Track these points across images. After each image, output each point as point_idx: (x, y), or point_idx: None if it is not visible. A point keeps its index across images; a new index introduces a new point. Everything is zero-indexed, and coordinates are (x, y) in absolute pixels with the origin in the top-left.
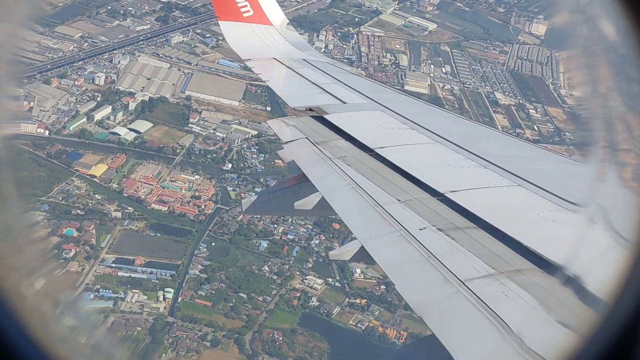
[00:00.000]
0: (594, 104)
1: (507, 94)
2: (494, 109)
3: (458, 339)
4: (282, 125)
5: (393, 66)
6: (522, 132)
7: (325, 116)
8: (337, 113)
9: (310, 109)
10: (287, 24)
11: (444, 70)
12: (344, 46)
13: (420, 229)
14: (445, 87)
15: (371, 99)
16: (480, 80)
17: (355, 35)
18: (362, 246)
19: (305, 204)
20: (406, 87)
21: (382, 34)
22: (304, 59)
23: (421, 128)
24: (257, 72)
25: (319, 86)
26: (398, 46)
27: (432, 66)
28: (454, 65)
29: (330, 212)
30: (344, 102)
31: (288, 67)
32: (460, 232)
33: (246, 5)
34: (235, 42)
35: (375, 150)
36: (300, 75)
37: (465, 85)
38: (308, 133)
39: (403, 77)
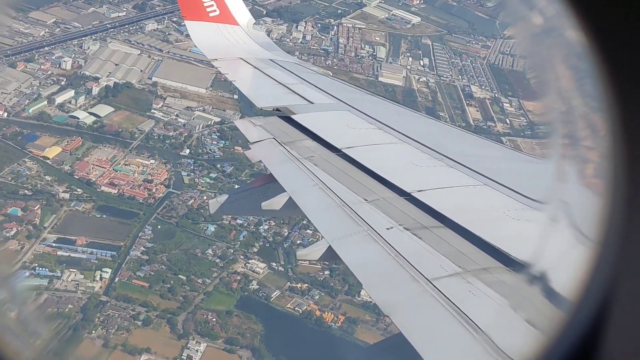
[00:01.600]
0: (554, 102)
1: (483, 87)
2: (467, 102)
3: (426, 338)
4: (249, 126)
5: (370, 58)
6: (494, 125)
7: (293, 116)
8: (304, 113)
9: (278, 109)
10: (254, 23)
11: (422, 63)
12: (323, 37)
13: (388, 229)
14: (421, 80)
15: (338, 99)
16: (458, 73)
17: (335, 27)
18: (330, 246)
19: (272, 204)
20: (380, 79)
21: (364, 26)
22: (270, 59)
23: (388, 128)
24: (224, 72)
25: (286, 86)
26: (378, 39)
27: (410, 59)
28: (432, 58)
29: (298, 212)
30: (311, 102)
31: (255, 67)
32: (427, 231)
33: (212, 5)
34: (202, 41)
35: (342, 150)
36: (267, 75)
37: (442, 78)
38: (275, 133)
39: (379, 69)
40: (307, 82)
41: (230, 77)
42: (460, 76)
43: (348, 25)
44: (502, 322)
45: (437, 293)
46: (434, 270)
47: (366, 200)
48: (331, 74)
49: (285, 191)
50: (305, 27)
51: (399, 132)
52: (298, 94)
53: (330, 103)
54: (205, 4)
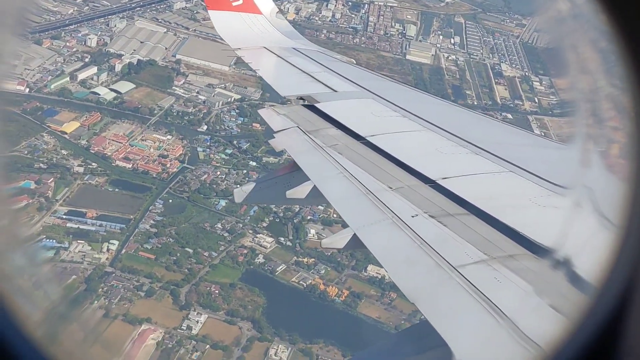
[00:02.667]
0: (578, 82)
1: (514, 66)
2: (496, 80)
3: (452, 325)
4: (272, 114)
5: (399, 36)
6: (521, 103)
7: (316, 105)
8: (328, 101)
9: (302, 98)
10: (277, 12)
11: (452, 42)
12: (352, 15)
13: (412, 216)
14: (450, 58)
15: (362, 87)
16: (489, 52)
17: (366, 5)
18: (355, 234)
19: (297, 192)
20: (408, 57)
21: (396, 4)
22: (294, 48)
23: (412, 115)
24: (248, 61)
25: (309, 75)
26: (409, 17)
27: (440, 37)
28: (464, 36)
29: (322, 201)
30: (335, 91)
31: (278, 56)
32: (452, 218)
33: None
34: (225, 31)
35: (366, 138)
36: (291, 64)
37: (472, 56)
38: (299, 122)
39: (407, 47)
40: (331, 70)
41: (254, 66)
42: (491, 55)
43: (380, 3)
44: (527, 309)
45: (463, 280)
46: (459, 257)
47: (391, 188)
48: (355, 62)
49: (309, 180)
50: (335, 5)
51: (424, 120)
52: (322, 83)
53: (354, 91)
54: None
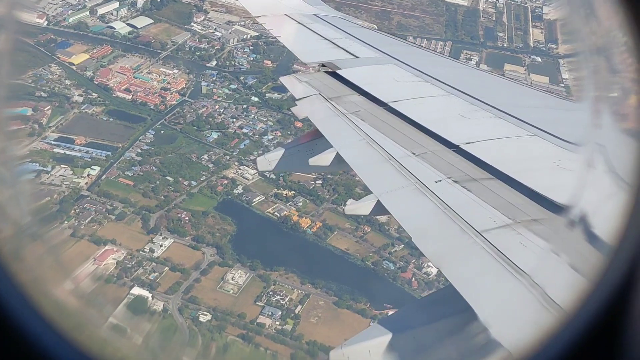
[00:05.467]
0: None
1: (560, 8)
2: (533, 24)
3: (477, 290)
4: (294, 82)
5: None
6: (555, 47)
7: (338, 71)
8: (350, 68)
9: (323, 65)
10: None
11: None
12: None
13: (436, 182)
14: (490, 0)
15: (384, 53)
16: None
17: None
18: (379, 200)
19: (320, 160)
20: None
21: None
22: (315, 14)
23: (435, 80)
24: (268, 28)
25: (330, 41)
26: None
27: None
28: None
29: (346, 167)
30: (357, 57)
31: (299, 23)
32: (476, 183)
33: None
34: None
35: (389, 104)
36: (312, 30)
37: None
38: (321, 89)
39: None
40: (352, 36)
41: (275, 33)
42: None
43: None
44: (551, 271)
45: (487, 245)
46: (483, 222)
47: (414, 153)
48: (376, 28)
49: (332, 147)
50: None
51: (446, 84)
52: (343, 49)
53: (375, 57)
54: None
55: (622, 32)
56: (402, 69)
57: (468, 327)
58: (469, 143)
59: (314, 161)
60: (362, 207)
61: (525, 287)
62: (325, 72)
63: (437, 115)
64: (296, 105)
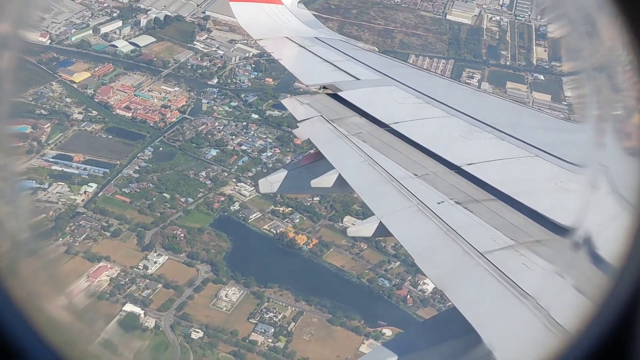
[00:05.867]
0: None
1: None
2: (537, 42)
3: (481, 312)
4: (296, 104)
5: None
6: (558, 64)
7: (339, 93)
8: (351, 90)
9: (324, 87)
10: (298, 2)
11: (501, 2)
12: None
13: (438, 203)
14: (493, 19)
15: (385, 75)
16: (539, 13)
17: None
18: (381, 222)
19: (322, 182)
20: (448, 17)
21: None
22: (315, 37)
23: (436, 102)
24: (270, 51)
25: (331, 63)
26: None
27: None
28: None
29: (348, 189)
30: (358, 79)
31: (300, 46)
32: (478, 204)
33: None
34: (247, 22)
35: (390, 125)
36: (313, 53)
37: (517, 17)
38: (322, 111)
39: (450, 7)
40: (353, 58)
41: (276, 56)
42: (539, 16)
43: None
44: (555, 293)
45: (491, 266)
46: (486, 243)
47: (416, 175)
48: (377, 50)
49: (334, 168)
50: None
51: (447, 106)
52: (344, 71)
53: (376, 79)
54: None
55: (625, 51)
56: (403, 91)
57: (472, 350)
58: (470, 164)
59: (316, 183)
60: (364, 229)
61: (530, 309)
62: (327, 94)
63: (439, 137)
64: (298, 127)
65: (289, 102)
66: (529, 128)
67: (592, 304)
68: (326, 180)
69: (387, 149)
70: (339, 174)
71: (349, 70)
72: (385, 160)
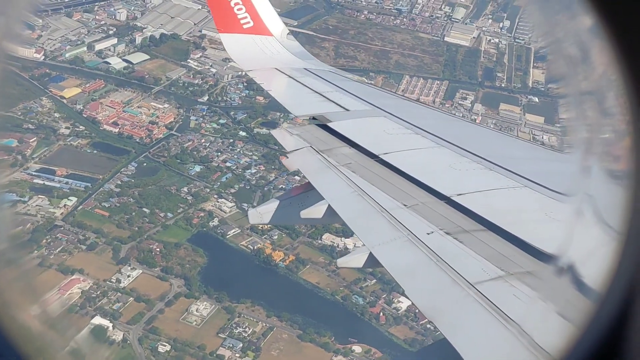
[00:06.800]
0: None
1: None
2: (535, 64)
3: (471, 343)
4: (285, 135)
5: (445, 19)
6: (555, 87)
7: (329, 124)
8: (341, 120)
9: (314, 117)
10: (288, 34)
11: (501, 25)
12: None
13: (428, 233)
14: (492, 41)
15: (374, 105)
16: (539, 36)
17: None
18: (371, 252)
19: (312, 212)
20: (446, 39)
21: None
22: (305, 68)
23: (425, 132)
24: (259, 82)
25: (321, 94)
26: (463, 0)
27: (490, 20)
28: (516, 20)
29: (338, 220)
30: (347, 110)
31: (290, 77)
32: (468, 235)
33: (246, 17)
34: (237, 53)
35: (380, 156)
36: (302, 84)
37: (517, 40)
38: (312, 141)
39: (449, 30)
40: (342, 89)
41: (265, 87)
42: (539, 39)
43: None
44: (546, 325)
45: (481, 297)
46: (476, 274)
47: (405, 205)
48: (366, 81)
49: (324, 199)
50: None
51: (437, 136)
52: (334, 102)
53: (365, 109)
54: (239, 16)
55: (614, 75)
56: (392, 121)
57: None
58: (460, 194)
59: (306, 214)
60: (355, 260)
61: (520, 340)
62: (316, 124)
63: (428, 167)
64: (287, 157)
65: (278, 133)
66: (518, 158)
67: (575, 329)
68: (316, 211)
69: (377, 180)
70: (329, 204)
71: (338, 101)
72: (375, 191)
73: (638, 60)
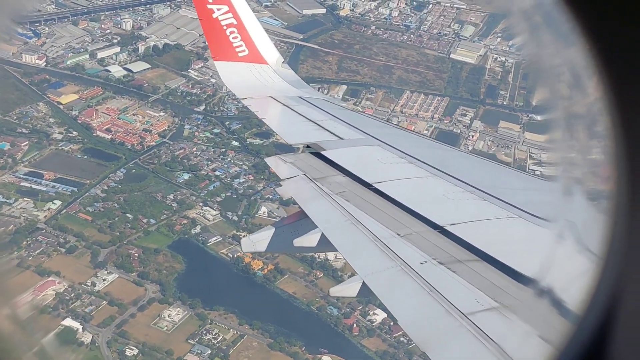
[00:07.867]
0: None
1: None
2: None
3: None
4: (279, 163)
5: (453, 36)
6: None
7: (323, 152)
8: (335, 149)
9: (308, 146)
10: (283, 62)
11: (509, 44)
12: (411, 14)
13: (421, 263)
14: (498, 60)
15: (368, 134)
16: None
17: (430, 5)
18: (364, 282)
19: (305, 241)
20: (452, 56)
21: (464, 6)
22: (299, 97)
23: (419, 162)
24: (254, 110)
25: (315, 123)
26: (473, 18)
27: (498, 39)
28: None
29: (331, 248)
30: (341, 138)
31: (284, 105)
32: (461, 265)
33: (241, 45)
34: (232, 81)
35: (373, 185)
36: (297, 112)
37: (524, 59)
38: (306, 169)
39: (456, 47)
40: (337, 118)
41: (260, 115)
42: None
43: (446, 4)
44: (523, 344)
45: (474, 328)
46: (469, 304)
47: (399, 234)
48: (360, 110)
49: (317, 227)
50: (397, 4)
51: (430, 166)
52: (328, 130)
53: (359, 138)
54: (235, 45)
55: (603, 100)
56: (386, 150)
57: None
58: (453, 224)
59: (299, 242)
60: (348, 289)
61: None
62: (310, 152)
63: (422, 197)
64: (281, 185)
65: (272, 161)
66: (511, 189)
67: (555, 351)
68: (309, 240)
69: (371, 209)
70: (322, 233)
71: (332, 129)
72: (369, 220)
73: (624, 86)
